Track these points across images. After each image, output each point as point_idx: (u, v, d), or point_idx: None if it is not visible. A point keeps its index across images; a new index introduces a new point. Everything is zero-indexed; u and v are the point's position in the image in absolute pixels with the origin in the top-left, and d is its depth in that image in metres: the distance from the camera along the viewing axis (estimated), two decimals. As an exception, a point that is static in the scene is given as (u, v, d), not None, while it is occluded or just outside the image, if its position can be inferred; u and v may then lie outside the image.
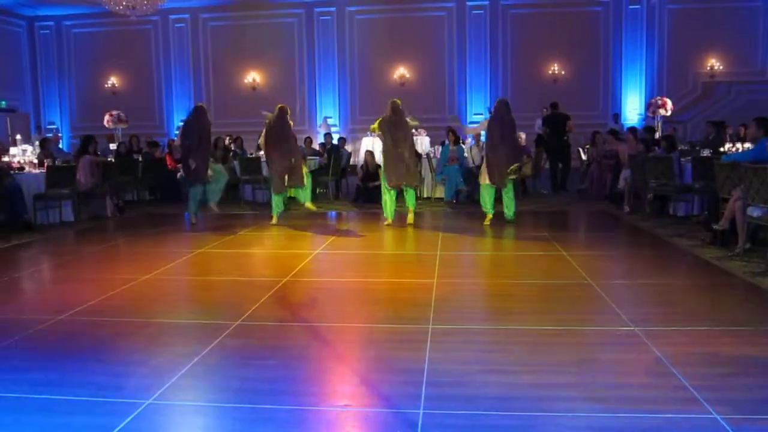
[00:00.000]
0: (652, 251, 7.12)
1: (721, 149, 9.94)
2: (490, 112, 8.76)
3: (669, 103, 15.28)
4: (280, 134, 9.10)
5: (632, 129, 11.71)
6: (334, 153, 12.42)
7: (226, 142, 13.56)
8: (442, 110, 18.36)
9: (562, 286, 5.55)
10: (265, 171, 11.25)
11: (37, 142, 12.99)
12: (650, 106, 15.75)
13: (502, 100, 8.96)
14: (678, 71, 17.69)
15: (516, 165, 8.64)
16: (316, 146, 14.14)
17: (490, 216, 8.79)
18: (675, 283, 5.71)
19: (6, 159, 10.19)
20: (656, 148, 9.92)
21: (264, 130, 9.30)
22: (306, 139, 13.43)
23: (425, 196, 11.91)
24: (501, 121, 8.59)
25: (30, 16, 19.61)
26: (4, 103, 18.75)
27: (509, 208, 8.77)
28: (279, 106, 9.30)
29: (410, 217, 8.93)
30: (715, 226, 6.93)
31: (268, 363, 3.80)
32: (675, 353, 3.75)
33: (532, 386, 3.38)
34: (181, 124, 9.35)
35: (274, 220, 9.23)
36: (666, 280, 5.74)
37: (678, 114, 16.60)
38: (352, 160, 14.72)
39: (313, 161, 12.31)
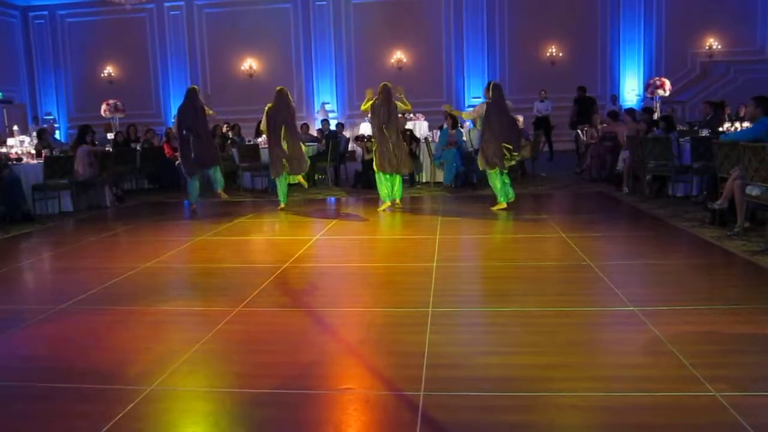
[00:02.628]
0: (651, 232, 7.12)
1: (720, 129, 9.92)
2: (489, 94, 8.58)
3: (667, 84, 15.23)
4: (279, 116, 9.08)
5: (630, 110, 11.68)
6: (332, 139, 12.40)
7: (224, 129, 13.53)
8: (439, 94, 18.32)
9: (561, 267, 5.57)
10: (265, 157, 11.26)
11: (34, 133, 12.97)
12: (649, 87, 15.70)
13: (497, 84, 8.78)
14: (676, 51, 17.62)
15: (514, 151, 8.57)
16: (313, 132, 14.11)
17: (503, 204, 8.57)
18: (674, 263, 5.72)
19: (4, 150, 10.17)
20: (655, 128, 9.90)
21: (264, 114, 9.14)
22: (303, 125, 13.40)
23: (424, 180, 11.90)
24: (498, 105, 8.50)
25: (23, 6, 19.51)
26: (0, 94, 18.69)
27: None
28: (278, 88, 9.25)
29: (396, 202, 9.09)
30: (713, 206, 6.94)
31: (269, 348, 3.83)
32: (674, 332, 3.77)
33: (531, 367, 3.40)
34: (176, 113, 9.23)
35: (282, 205, 9.24)
36: (665, 260, 5.75)
37: (676, 94, 16.58)
38: (349, 146, 14.70)
39: (312, 147, 12.29)
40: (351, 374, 3.45)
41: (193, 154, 8.97)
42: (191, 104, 9.00)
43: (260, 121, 9.56)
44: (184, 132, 9.00)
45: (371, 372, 3.42)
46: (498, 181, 8.59)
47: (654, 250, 6.17)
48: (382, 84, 9.01)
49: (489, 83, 8.74)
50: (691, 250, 6.24)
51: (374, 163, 8.95)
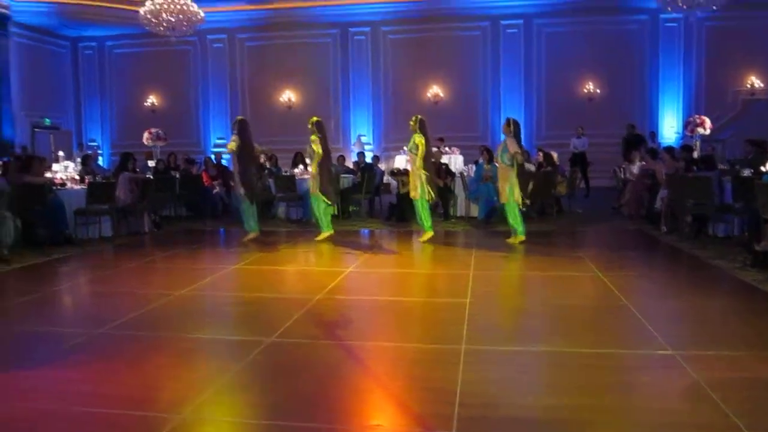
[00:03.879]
0: (690, 273, 6.97)
1: (762, 168, 9.71)
2: (510, 129, 8.74)
3: (708, 122, 15.00)
4: (327, 147, 9.28)
5: (669, 148, 11.53)
6: (367, 171, 12.47)
7: (261, 159, 13.71)
8: (475, 128, 18.35)
9: (598, 307, 5.47)
10: (301, 188, 11.39)
11: (79, 159, 13.33)
12: (688, 125, 15.50)
13: (516, 120, 8.97)
14: (717, 89, 17.38)
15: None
16: (349, 164, 14.23)
17: (523, 237, 8.70)
18: (714, 305, 5.58)
19: (49, 175, 10.45)
20: (695, 167, 9.75)
21: (318, 145, 9.09)
22: (339, 157, 13.51)
23: (458, 214, 11.86)
24: (520, 139, 8.79)
25: (74, 37, 20.19)
26: (48, 121, 19.29)
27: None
28: (318, 119, 9.36)
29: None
30: (756, 248, 6.76)
31: (301, 380, 3.81)
32: (714, 378, 3.66)
33: (566, 409, 3.32)
34: (234, 141, 9.28)
35: (326, 235, 9.19)
36: (705, 303, 5.61)
37: (717, 132, 16.28)
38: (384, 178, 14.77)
39: (347, 179, 12.38)
40: (381, 410, 3.42)
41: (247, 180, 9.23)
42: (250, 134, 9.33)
43: (303, 153, 9.66)
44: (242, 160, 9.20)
45: (402, 409, 3.39)
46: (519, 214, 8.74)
47: (694, 292, 6.03)
48: (420, 119, 9.06)
49: (508, 119, 8.93)
50: (732, 293, 6.07)
51: (422, 193, 8.94)
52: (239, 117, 9.86)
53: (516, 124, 8.84)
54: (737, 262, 7.13)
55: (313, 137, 9.20)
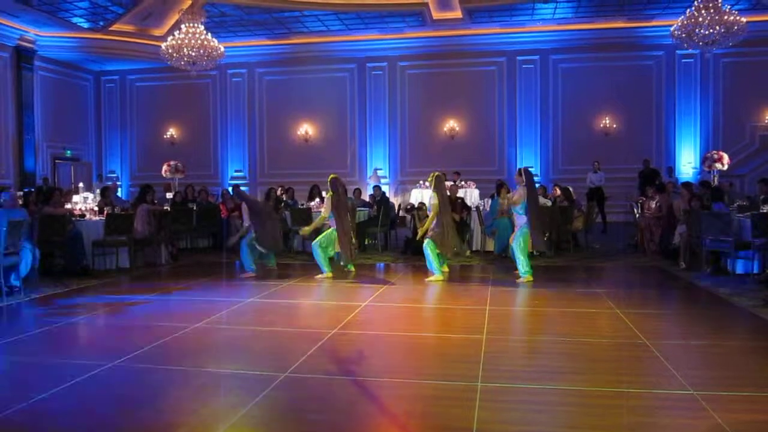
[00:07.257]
0: (710, 310, 6.87)
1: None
2: (522, 178, 8.75)
3: (725, 158, 14.93)
4: (346, 204, 9.36)
5: (686, 184, 11.47)
6: (383, 204, 12.50)
7: (278, 192, 13.80)
8: (491, 163, 18.40)
9: (616, 345, 5.40)
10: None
11: (98, 190, 13.49)
12: (706, 160, 15.44)
13: (527, 169, 9.05)
14: (734, 124, 17.34)
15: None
16: (365, 198, 14.26)
17: (530, 277, 8.58)
18: (735, 344, 5.49)
19: (69, 206, 10.57)
20: (713, 204, 9.67)
21: (331, 202, 9.05)
22: (355, 190, 13.58)
23: (474, 249, 11.83)
24: (532, 188, 8.76)
25: (97, 71, 20.62)
26: (69, 152, 19.61)
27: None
28: (336, 176, 9.37)
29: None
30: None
31: (315, 417, 3.79)
32: (736, 420, 3.59)
33: (584, 451, 3.27)
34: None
35: (329, 273, 9.15)
36: (726, 342, 5.52)
37: (735, 168, 16.21)
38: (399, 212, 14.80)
39: (363, 212, 12.40)
40: (396, 449, 3.38)
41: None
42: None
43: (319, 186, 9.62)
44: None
45: (417, 447, 3.34)
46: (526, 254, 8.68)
47: (713, 330, 5.93)
48: (436, 176, 8.98)
49: (519, 170, 9.02)
50: (753, 332, 5.98)
51: (435, 244, 8.83)
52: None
53: (527, 172, 8.84)
54: (758, 299, 7.04)
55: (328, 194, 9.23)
